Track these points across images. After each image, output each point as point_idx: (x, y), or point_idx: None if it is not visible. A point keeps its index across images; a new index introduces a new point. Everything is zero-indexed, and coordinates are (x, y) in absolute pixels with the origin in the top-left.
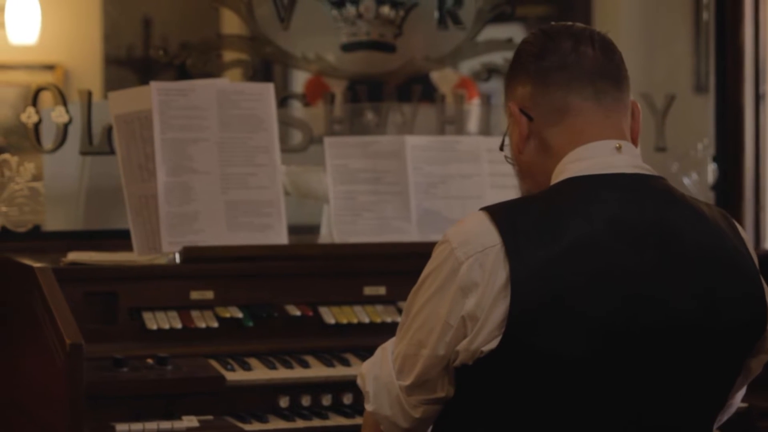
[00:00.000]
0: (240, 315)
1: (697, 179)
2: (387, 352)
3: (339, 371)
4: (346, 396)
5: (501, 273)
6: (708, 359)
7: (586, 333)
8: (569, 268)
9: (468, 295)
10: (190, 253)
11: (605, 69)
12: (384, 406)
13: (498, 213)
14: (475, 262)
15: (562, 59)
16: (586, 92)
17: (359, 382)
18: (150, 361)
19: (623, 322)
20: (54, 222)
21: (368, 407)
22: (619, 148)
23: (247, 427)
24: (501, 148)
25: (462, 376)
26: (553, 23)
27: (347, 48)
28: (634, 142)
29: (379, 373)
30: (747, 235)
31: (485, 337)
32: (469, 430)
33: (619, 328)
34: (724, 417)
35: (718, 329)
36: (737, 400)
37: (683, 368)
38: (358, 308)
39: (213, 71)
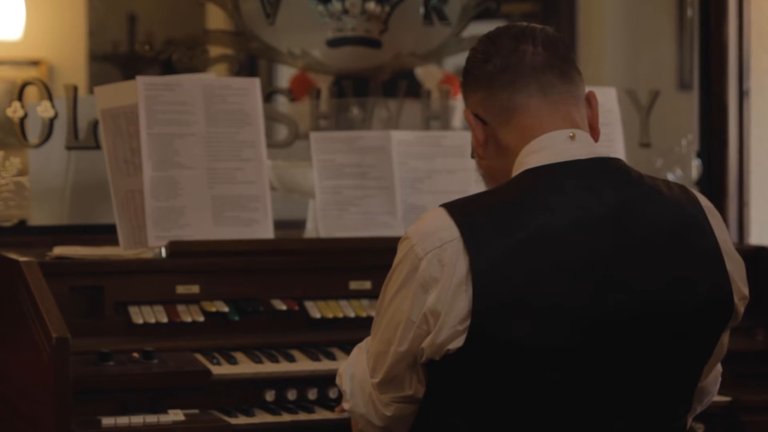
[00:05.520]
0: (226, 309)
1: (681, 175)
2: (362, 351)
3: (325, 365)
4: (332, 390)
5: (460, 266)
6: (678, 338)
7: (554, 322)
8: (531, 258)
9: (428, 291)
10: (176, 248)
11: (549, 63)
12: (359, 404)
13: (457, 208)
14: (433, 257)
15: (503, 61)
16: (530, 89)
17: (338, 381)
18: (136, 355)
19: (591, 308)
20: (40, 217)
21: (345, 405)
22: (572, 137)
23: (233, 420)
24: (472, 156)
25: (433, 373)
26: (498, 27)
27: (333, 44)
28: (594, 130)
29: (354, 372)
30: (710, 203)
31: (449, 332)
32: (445, 427)
33: (587, 314)
34: (699, 408)
35: (686, 307)
36: (714, 389)
37: (655, 349)
38: (343, 303)
39: (198, 67)
